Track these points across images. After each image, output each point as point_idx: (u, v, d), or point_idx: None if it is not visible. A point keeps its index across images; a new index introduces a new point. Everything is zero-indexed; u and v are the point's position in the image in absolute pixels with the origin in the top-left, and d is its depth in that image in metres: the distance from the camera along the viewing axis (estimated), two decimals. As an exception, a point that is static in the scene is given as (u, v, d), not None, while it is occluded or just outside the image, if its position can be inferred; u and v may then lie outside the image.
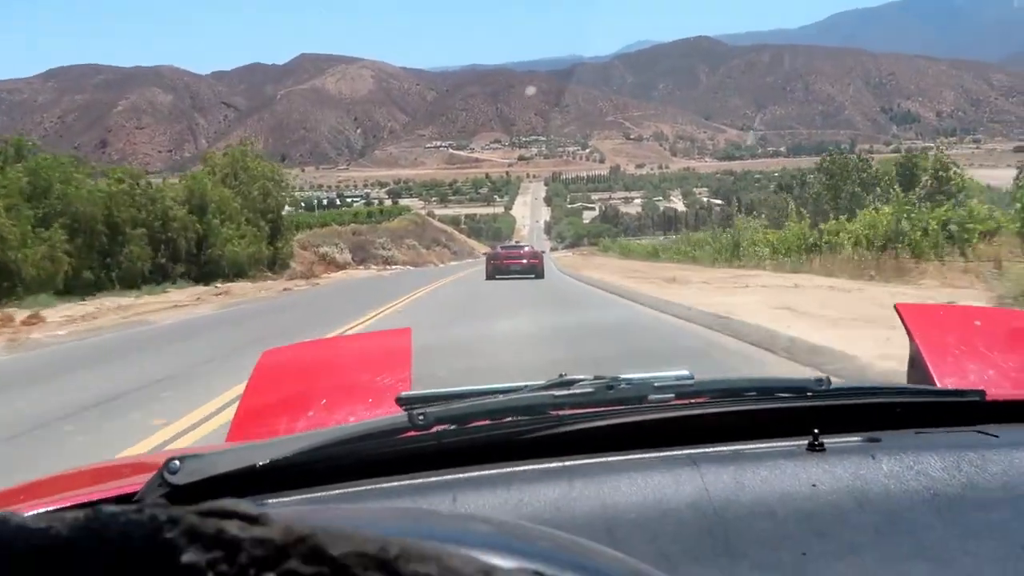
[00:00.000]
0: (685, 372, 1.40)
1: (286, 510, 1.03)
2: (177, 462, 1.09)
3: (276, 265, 49.11)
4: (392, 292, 28.06)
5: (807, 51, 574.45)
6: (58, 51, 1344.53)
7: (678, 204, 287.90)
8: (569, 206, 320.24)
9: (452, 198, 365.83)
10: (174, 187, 43.63)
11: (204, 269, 40.85)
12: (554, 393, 1.28)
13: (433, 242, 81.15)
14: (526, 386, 1.37)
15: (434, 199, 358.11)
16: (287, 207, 59.54)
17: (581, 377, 1.33)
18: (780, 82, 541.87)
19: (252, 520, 0.41)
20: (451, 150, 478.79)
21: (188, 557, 0.39)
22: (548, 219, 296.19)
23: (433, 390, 1.50)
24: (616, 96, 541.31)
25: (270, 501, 1.12)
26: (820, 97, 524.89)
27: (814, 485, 1.12)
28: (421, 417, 1.19)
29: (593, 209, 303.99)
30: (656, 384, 1.31)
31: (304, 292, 33.11)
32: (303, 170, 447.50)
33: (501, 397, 1.31)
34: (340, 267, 53.37)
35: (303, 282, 40.71)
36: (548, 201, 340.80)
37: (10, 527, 0.39)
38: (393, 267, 56.54)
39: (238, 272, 42.45)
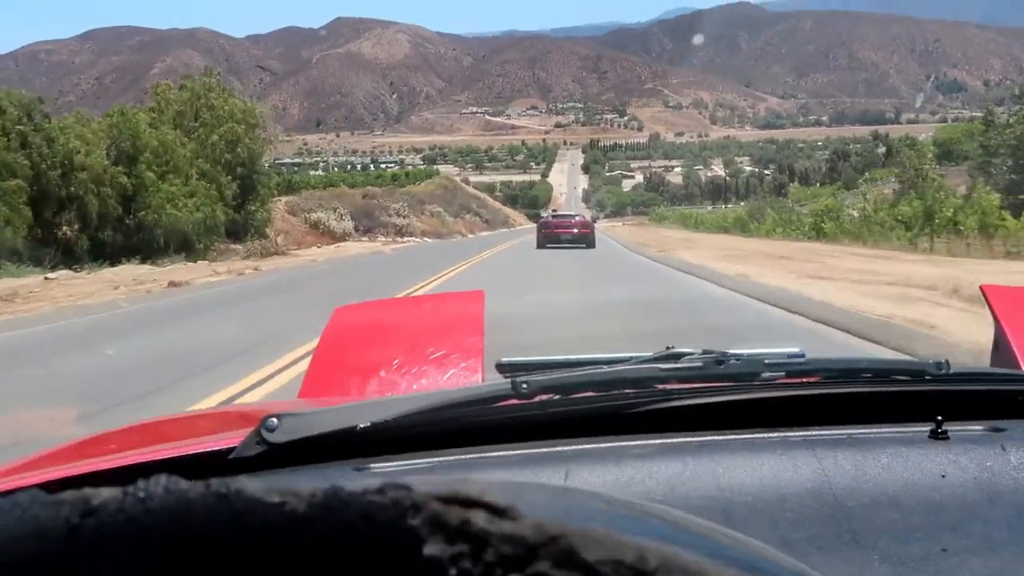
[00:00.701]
0: (796, 349, 1.35)
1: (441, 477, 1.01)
2: (275, 420, 1.07)
3: (248, 234, 36.60)
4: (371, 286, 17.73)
5: (850, 17, 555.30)
6: (96, 12, 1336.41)
7: (720, 171, 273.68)
8: (608, 174, 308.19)
9: (488, 165, 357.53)
10: (92, 124, 31.10)
11: (133, 240, 28.38)
12: (661, 366, 1.23)
13: (463, 209, 68.66)
14: (632, 357, 1.33)
15: (469, 166, 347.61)
16: (271, 161, 46.69)
17: (689, 350, 1.28)
18: (822, 49, 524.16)
19: (500, 512, 0.38)
20: (487, 116, 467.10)
21: (431, 549, 0.37)
22: (586, 187, 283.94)
23: (533, 357, 1.46)
24: (655, 63, 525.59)
25: (372, 466, 1.09)
26: (864, 65, 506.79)
27: (943, 476, 1.06)
28: (525, 385, 1.15)
29: (632, 177, 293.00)
30: (767, 361, 1.26)
31: (180, 296, 17.96)
32: (338, 135, 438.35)
33: (605, 368, 1.26)
34: (337, 238, 41.56)
35: (250, 264, 27.31)
36: (586, 169, 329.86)
37: (242, 500, 0.38)
38: (407, 239, 44.63)
39: (184, 245, 30.00)
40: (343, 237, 41.40)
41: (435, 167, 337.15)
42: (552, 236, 33.91)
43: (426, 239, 44.76)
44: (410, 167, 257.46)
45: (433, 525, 0.37)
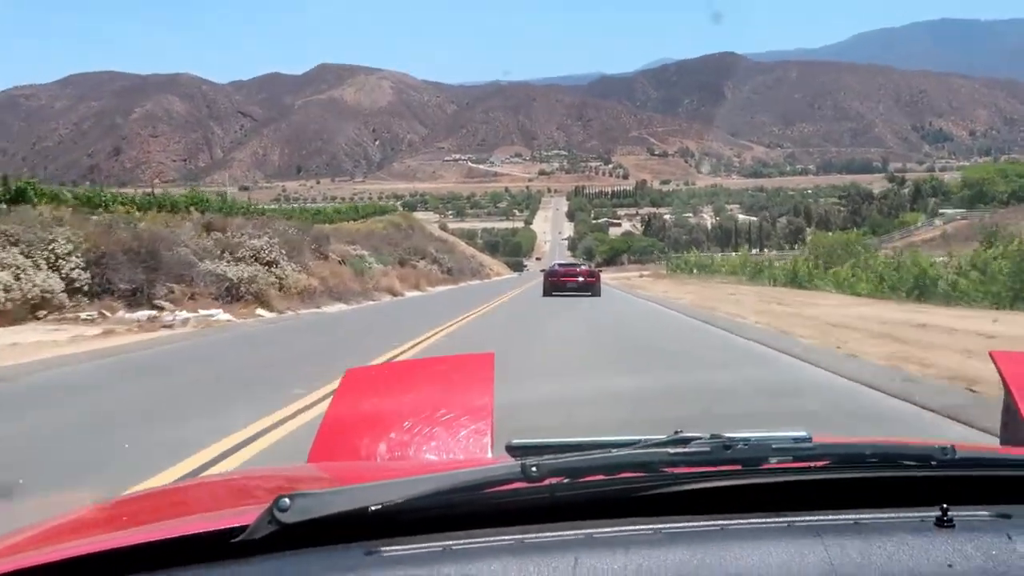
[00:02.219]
0: (803, 433, 1.34)
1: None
2: (287, 500, 1.07)
3: None
4: None
5: (835, 68, 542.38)
6: (78, 57, 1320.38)
7: (708, 219, 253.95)
8: (594, 221, 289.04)
9: (470, 212, 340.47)
10: None
11: None
12: (669, 450, 1.22)
13: (414, 254, 46.60)
14: (640, 441, 1.32)
15: (450, 212, 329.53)
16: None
17: (697, 435, 1.27)
18: (808, 99, 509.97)
19: None
20: (470, 163, 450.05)
21: None
22: (572, 234, 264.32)
23: (543, 439, 1.45)
24: (640, 111, 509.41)
25: (383, 550, 1.08)
26: (849, 115, 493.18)
27: (950, 566, 1.04)
28: (535, 469, 1.14)
29: (619, 224, 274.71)
30: (775, 446, 1.24)
31: None
32: (318, 182, 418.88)
33: (614, 451, 1.25)
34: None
35: None
36: (571, 216, 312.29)
37: None
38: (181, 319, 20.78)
39: None
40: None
41: (416, 215, 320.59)
42: (558, 284, 34.14)
43: (284, 314, 22.83)
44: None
45: None
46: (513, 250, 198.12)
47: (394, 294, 35.21)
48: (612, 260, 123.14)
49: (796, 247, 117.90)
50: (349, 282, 30.01)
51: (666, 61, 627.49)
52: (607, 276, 66.75)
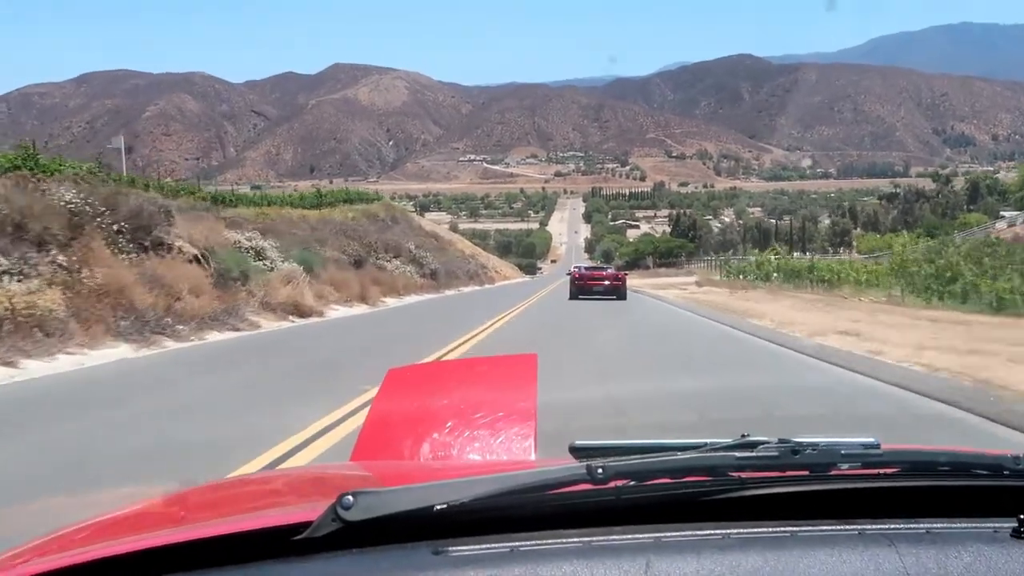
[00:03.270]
0: (872, 439, 1.28)
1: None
2: (351, 497, 1.04)
3: None
4: None
5: (854, 70, 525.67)
6: (93, 56, 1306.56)
7: (729, 219, 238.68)
8: (612, 223, 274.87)
9: (483, 212, 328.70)
10: None
11: None
12: (736, 454, 1.18)
13: (383, 252, 31.19)
14: (707, 444, 1.27)
15: (463, 213, 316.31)
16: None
17: (765, 439, 1.22)
18: (827, 102, 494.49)
19: None
20: (485, 164, 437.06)
21: None
22: (589, 236, 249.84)
23: (607, 441, 1.42)
24: (657, 113, 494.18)
25: (451, 549, 1.05)
26: (869, 118, 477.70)
27: None
28: (600, 471, 1.10)
29: (637, 227, 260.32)
30: (843, 452, 1.20)
31: None
32: (331, 182, 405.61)
33: (680, 454, 1.21)
34: None
35: None
36: (588, 218, 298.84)
37: None
38: None
39: None
40: None
41: (429, 215, 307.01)
42: (585, 288, 34.16)
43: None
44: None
45: None
46: (526, 251, 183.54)
47: (302, 313, 20.82)
48: (635, 263, 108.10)
49: (842, 250, 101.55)
50: (197, 295, 15.38)
51: (683, 63, 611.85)
52: (639, 283, 52.23)
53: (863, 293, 32.46)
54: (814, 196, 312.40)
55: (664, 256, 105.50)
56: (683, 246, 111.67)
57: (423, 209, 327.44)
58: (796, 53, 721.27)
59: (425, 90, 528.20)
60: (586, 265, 47.25)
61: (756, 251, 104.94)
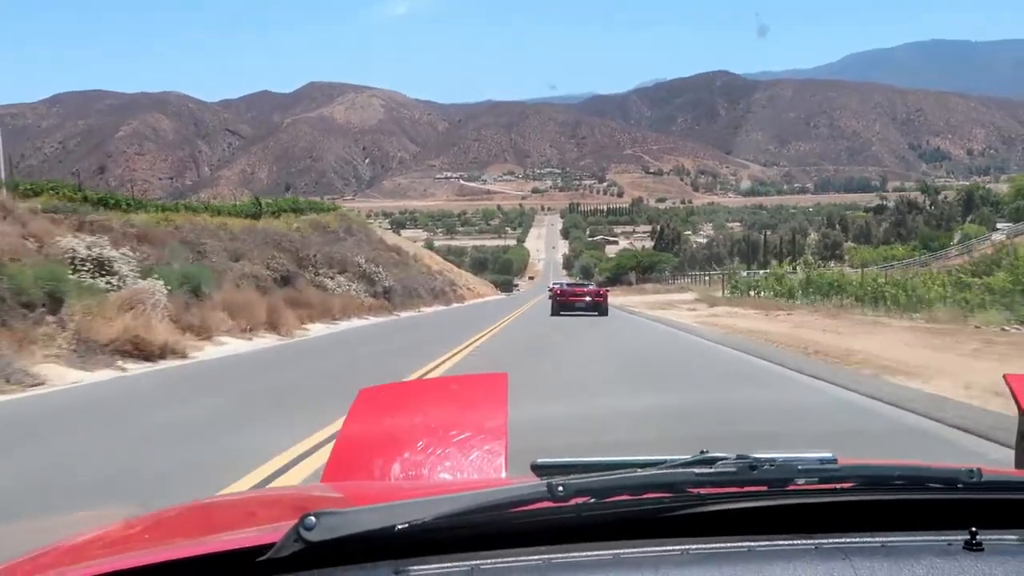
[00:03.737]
0: (828, 455, 1.30)
1: None
2: (313, 518, 1.03)
3: None
4: None
5: (829, 86, 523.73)
6: (66, 77, 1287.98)
7: (708, 234, 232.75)
8: (590, 239, 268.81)
9: (460, 229, 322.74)
10: None
11: None
12: (695, 471, 1.18)
13: (326, 266, 23.94)
14: (666, 460, 1.27)
15: (440, 230, 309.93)
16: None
17: (723, 455, 1.22)
18: (803, 118, 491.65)
19: None
20: (462, 181, 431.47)
21: None
22: (567, 252, 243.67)
23: (568, 459, 1.41)
24: (634, 129, 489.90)
25: (412, 569, 1.05)
26: (845, 133, 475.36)
27: None
28: (561, 488, 1.10)
29: (616, 243, 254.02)
30: (801, 467, 1.21)
31: None
32: (307, 200, 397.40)
33: (640, 471, 1.20)
34: None
35: None
36: (565, 234, 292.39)
37: None
38: None
39: None
40: None
41: (404, 233, 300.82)
42: (567, 304, 34.49)
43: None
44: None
45: None
46: (503, 268, 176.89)
47: (146, 353, 14.26)
48: (616, 278, 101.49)
49: (833, 262, 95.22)
50: None
51: (659, 80, 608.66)
52: (627, 300, 45.72)
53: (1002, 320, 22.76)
54: (793, 211, 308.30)
55: (647, 271, 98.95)
56: (667, 260, 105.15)
57: (399, 226, 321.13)
58: (772, 70, 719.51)
59: (401, 108, 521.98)
60: (567, 282, 47.19)
61: (745, 265, 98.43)
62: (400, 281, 40.12)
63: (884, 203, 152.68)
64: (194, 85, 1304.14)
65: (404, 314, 36.10)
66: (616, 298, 47.10)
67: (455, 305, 49.11)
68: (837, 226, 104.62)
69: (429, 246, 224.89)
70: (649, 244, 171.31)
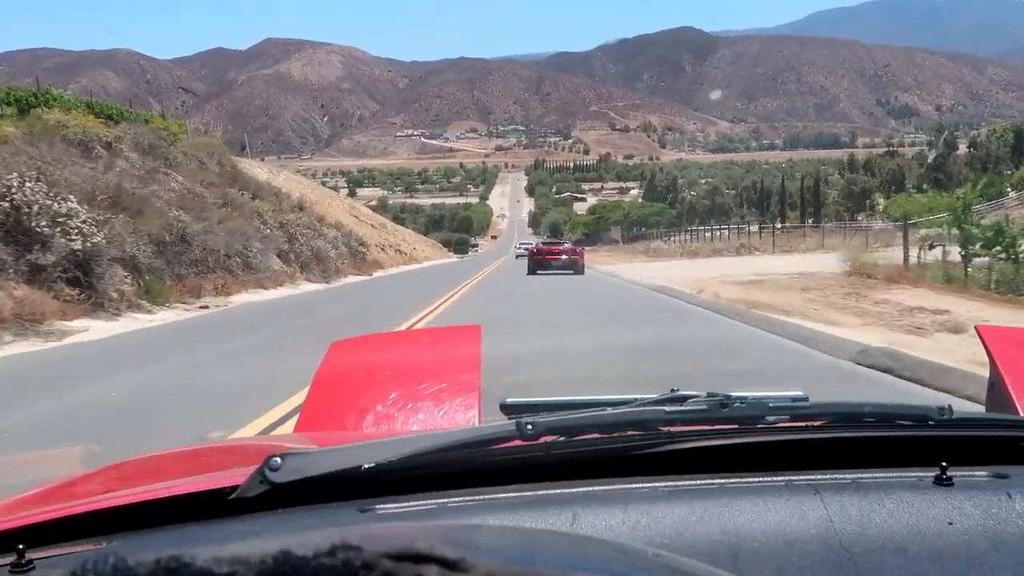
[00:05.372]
0: (800, 393, 1.30)
1: (435, 524, 0.95)
2: (278, 459, 1.00)
3: None
4: None
5: (798, 42, 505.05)
6: (10, 35, 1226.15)
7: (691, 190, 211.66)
8: (557, 196, 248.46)
9: (420, 187, 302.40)
10: None
11: None
12: (666, 408, 1.14)
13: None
14: (636, 399, 1.25)
15: (398, 188, 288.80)
16: None
17: (694, 393, 1.19)
18: (771, 73, 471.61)
19: (452, 565, 0.36)
20: (424, 139, 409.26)
21: None
22: (533, 209, 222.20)
23: (537, 398, 1.39)
24: (599, 86, 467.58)
25: (378, 507, 1.02)
26: (813, 89, 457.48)
27: (950, 523, 0.98)
28: (530, 427, 1.06)
29: (584, 199, 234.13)
30: (772, 404, 1.18)
31: None
32: (263, 159, 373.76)
33: (610, 410, 1.17)
34: None
35: None
36: (531, 191, 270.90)
37: (192, 572, 0.35)
38: None
39: None
40: None
41: (361, 192, 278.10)
42: (543, 263, 32.94)
43: None
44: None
45: None
46: (462, 226, 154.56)
47: None
48: (596, 236, 79.35)
49: (859, 216, 72.68)
50: None
51: (623, 38, 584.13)
52: (639, 273, 25.06)
53: None
54: (766, 166, 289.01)
55: (636, 226, 77.34)
56: (661, 213, 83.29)
57: (357, 185, 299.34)
58: (735, 28, 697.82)
59: (360, 64, 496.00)
60: (544, 240, 47.41)
61: (757, 217, 77.51)
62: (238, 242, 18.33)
63: (892, 148, 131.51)
64: (145, 42, 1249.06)
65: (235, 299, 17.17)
66: (616, 264, 26.94)
67: (344, 281, 27.28)
68: (861, 170, 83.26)
69: (383, 205, 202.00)
70: (680, 181, 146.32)
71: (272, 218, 26.50)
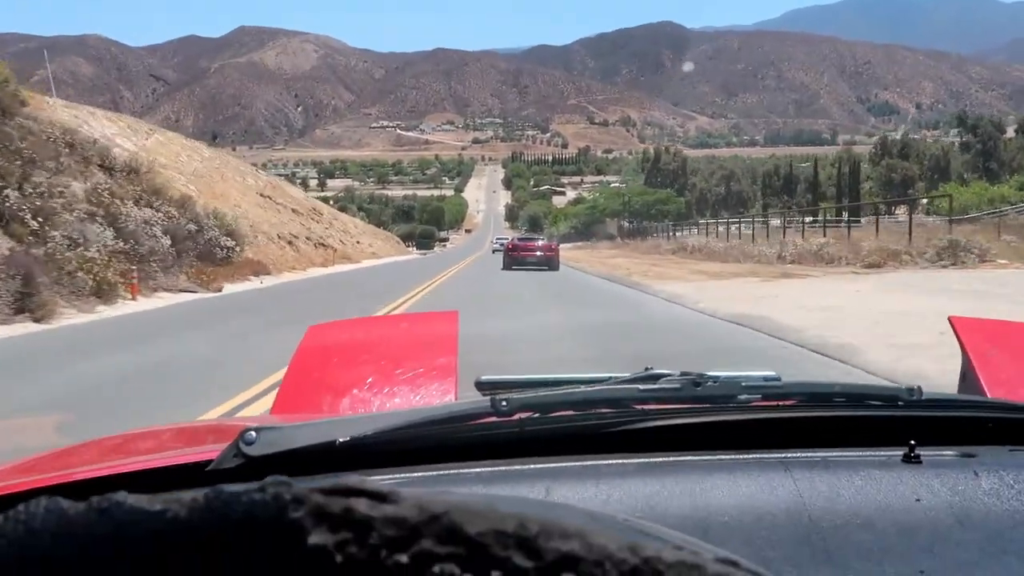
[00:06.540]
0: (772, 373, 1.28)
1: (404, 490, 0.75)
2: (253, 433, 0.99)
3: None
4: None
5: (778, 38, 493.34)
6: None
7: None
8: (535, 189, 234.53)
9: (394, 179, 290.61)
10: None
11: None
12: (639, 387, 1.14)
13: None
14: (610, 377, 1.23)
15: (371, 179, 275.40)
16: None
17: (667, 372, 1.17)
18: (751, 69, 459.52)
19: (381, 498, 0.36)
20: (399, 131, 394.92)
21: (315, 538, 0.35)
22: (510, 202, 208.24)
23: (512, 376, 1.39)
24: (578, 79, 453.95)
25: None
26: (793, 85, 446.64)
27: (918, 500, 1.00)
28: (504, 403, 1.06)
29: (563, 192, 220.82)
30: (744, 384, 1.16)
31: None
32: (235, 149, 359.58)
33: (584, 387, 1.17)
34: None
35: None
36: (508, 184, 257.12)
37: (124, 511, 0.36)
38: None
39: None
40: None
41: (332, 183, 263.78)
42: (518, 259, 32.82)
43: None
44: (299, 181, 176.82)
45: (316, 516, 0.35)
46: (433, 218, 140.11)
47: None
48: (588, 229, 65.16)
49: (896, 210, 57.61)
50: None
51: (602, 32, 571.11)
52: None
53: None
54: (747, 161, 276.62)
55: (637, 217, 63.39)
56: (668, 200, 68.94)
57: (328, 176, 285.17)
58: (713, 25, 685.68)
59: (336, 54, 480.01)
60: (519, 236, 47.09)
61: (781, 207, 64.23)
62: None
63: (962, 135, 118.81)
64: (117, 29, 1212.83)
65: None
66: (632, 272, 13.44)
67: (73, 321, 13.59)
68: (895, 154, 69.57)
69: (350, 196, 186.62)
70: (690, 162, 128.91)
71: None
